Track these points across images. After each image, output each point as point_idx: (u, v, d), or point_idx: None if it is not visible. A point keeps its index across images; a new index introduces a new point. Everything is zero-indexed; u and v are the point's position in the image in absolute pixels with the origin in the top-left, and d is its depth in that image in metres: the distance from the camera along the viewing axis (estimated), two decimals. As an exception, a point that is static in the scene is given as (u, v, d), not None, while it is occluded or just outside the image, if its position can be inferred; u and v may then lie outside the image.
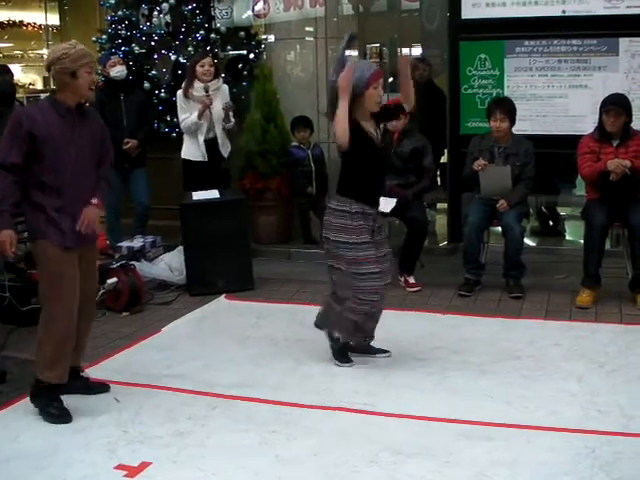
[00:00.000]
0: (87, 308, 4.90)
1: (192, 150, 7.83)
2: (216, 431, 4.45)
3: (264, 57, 9.60)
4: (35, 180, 4.53)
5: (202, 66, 7.67)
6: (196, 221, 7.20)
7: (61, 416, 4.64)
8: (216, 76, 7.79)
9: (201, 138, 7.75)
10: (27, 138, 4.45)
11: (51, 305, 4.64)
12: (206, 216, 7.18)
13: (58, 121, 4.54)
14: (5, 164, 4.45)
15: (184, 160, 7.92)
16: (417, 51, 10.57)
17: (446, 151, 8.38)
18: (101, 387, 5.04)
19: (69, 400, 4.77)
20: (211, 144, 7.79)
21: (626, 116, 6.49)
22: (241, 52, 9.51)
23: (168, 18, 9.06)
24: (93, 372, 5.22)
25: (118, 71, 8.03)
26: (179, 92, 7.80)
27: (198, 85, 7.67)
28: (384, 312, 5.28)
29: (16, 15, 16.12)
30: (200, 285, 7.22)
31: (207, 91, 7.62)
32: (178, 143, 8.12)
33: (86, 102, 4.73)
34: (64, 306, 4.63)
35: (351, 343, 5.48)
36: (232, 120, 7.87)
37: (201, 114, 7.63)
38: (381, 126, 5.20)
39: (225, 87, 7.96)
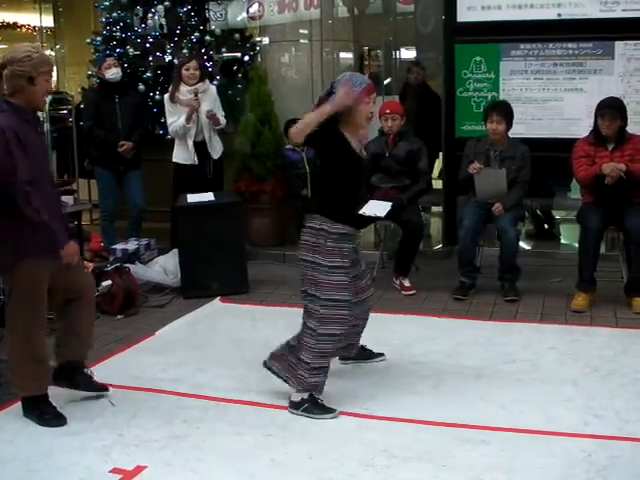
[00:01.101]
0: (86, 301, 4.86)
1: (182, 153, 7.82)
2: (211, 434, 4.44)
3: (259, 59, 9.61)
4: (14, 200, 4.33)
5: (187, 69, 7.67)
6: (191, 223, 7.18)
7: (55, 419, 4.62)
8: (202, 79, 7.77)
9: (190, 141, 7.74)
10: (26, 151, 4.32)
11: (28, 324, 4.54)
12: (201, 218, 7.16)
13: (28, 129, 4.41)
14: (30, 180, 4.29)
15: (175, 163, 7.92)
16: (412, 54, 10.58)
17: (441, 154, 8.40)
18: (101, 388, 5.00)
19: (64, 403, 4.78)
20: (201, 147, 7.79)
21: (621, 120, 6.49)
22: (236, 54, 9.51)
23: (163, 20, 9.06)
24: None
25: (113, 73, 7.99)
26: (166, 96, 7.81)
27: (184, 88, 7.66)
28: (380, 315, 5.24)
29: (10, 17, 16.09)
30: (195, 288, 7.20)
31: (196, 94, 7.60)
32: (172, 145, 8.11)
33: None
34: (41, 324, 4.61)
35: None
36: (222, 122, 7.87)
37: (189, 117, 7.61)
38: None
39: (212, 88, 7.95)
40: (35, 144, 4.42)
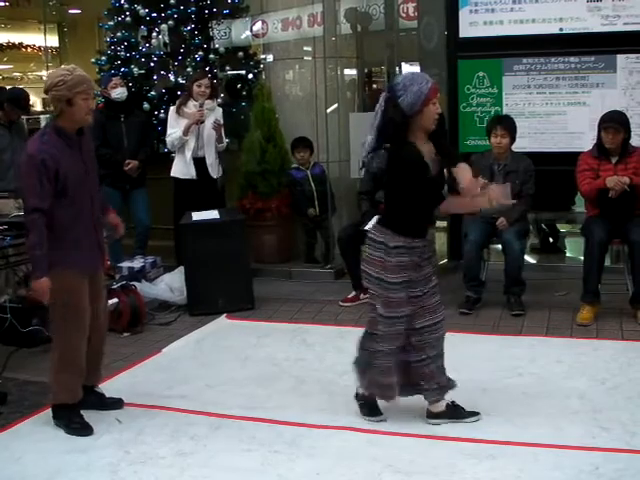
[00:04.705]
0: (100, 327, 4.99)
1: (180, 168, 7.83)
2: (218, 451, 4.44)
3: (263, 77, 9.64)
4: (55, 213, 4.56)
5: (199, 86, 7.69)
6: (196, 241, 7.21)
7: (83, 429, 4.71)
8: (212, 97, 7.79)
9: (188, 154, 7.74)
10: (54, 178, 4.49)
11: (69, 335, 4.70)
12: (206, 236, 7.19)
13: (69, 152, 4.60)
14: (43, 208, 4.48)
15: (174, 178, 7.92)
16: (415, 69, 10.59)
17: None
18: (115, 403, 5.08)
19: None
20: (202, 163, 7.79)
21: (625, 133, 6.51)
22: (240, 72, 9.56)
23: (167, 39, 9.10)
24: (94, 393, 5.21)
25: (119, 93, 8.01)
26: (172, 108, 7.81)
27: (192, 103, 7.68)
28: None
29: (16, 37, 16.22)
30: (201, 305, 7.22)
31: (201, 105, 7.61)
32: (177, 163, 8.14)
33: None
34: (82, 335, 4.75)
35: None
36: (224, 141, 7.87)
37: (187, 129, 7.61)
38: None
39: (219, 110, 7.95)
40: (73, 167, 4.58)
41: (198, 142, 7.74)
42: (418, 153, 4.40)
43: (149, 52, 9.20)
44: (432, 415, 4.72)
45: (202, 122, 7.65)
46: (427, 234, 4.63)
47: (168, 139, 7.80)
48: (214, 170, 7.87)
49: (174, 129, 7.73)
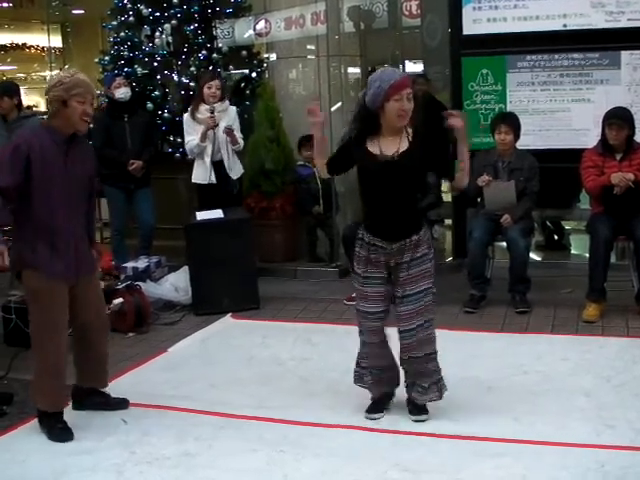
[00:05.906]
0: (98, 336, 4.99)
1: (201, 173, 7.79)
2: (224, 451, 4.44)
3: (266, 76, 9.63)
4: (25, 209, 4.57)
5: (209, 88, 7.64)
6: (201, 241, 7.20)
7: (62, 434, 4.67)
8: (222, 98, 7.78)
9: (207, 160, 7.69)
10: (24, 160, 4.50)
11: (42, 337, 4.68)
12: (211, 236, 7.18)
13: (53, 149, 4.61)
14: (2, 187, 4.47)
15: (195, 184, 7.91)
16: (419, 67, 10.59)
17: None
18: (121, 404, 5.08)
19: (76, 421, 4.79)
20: (221, 166, 7.78)
21: (629, 129, 6.50)
22: (243, 71, 9.55)
23: (170, 39, 9.09)
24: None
25: (122, 92, 8.03)
26: (186, 115, 7.79)
27: (203, 107, 7.66)
28: (392, 328, 5.20)
29: (19, 38, 16.25)
30: (206, 305, 7.22)
31: (212, 112, 7.60)
32: (182, 164, 8.13)
33: (77, 133, 4.76)
34: (55, 338, 4.68)
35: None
36: (240, 142, 7.86)
37: (204, 136, 7.59)
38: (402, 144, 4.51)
39: (232, 109, 7.92)
40: (48, 162, 4.57)
41: (214, 146, 7.71)
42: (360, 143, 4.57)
43: (152, 52, 9.19)
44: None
45: (216, 126, 7.63)
46: (396, 238, 4.57)
47: (187, 147, 7.78)
48: (232, 171, 7.86)
49: (191, 136, 7.69)
